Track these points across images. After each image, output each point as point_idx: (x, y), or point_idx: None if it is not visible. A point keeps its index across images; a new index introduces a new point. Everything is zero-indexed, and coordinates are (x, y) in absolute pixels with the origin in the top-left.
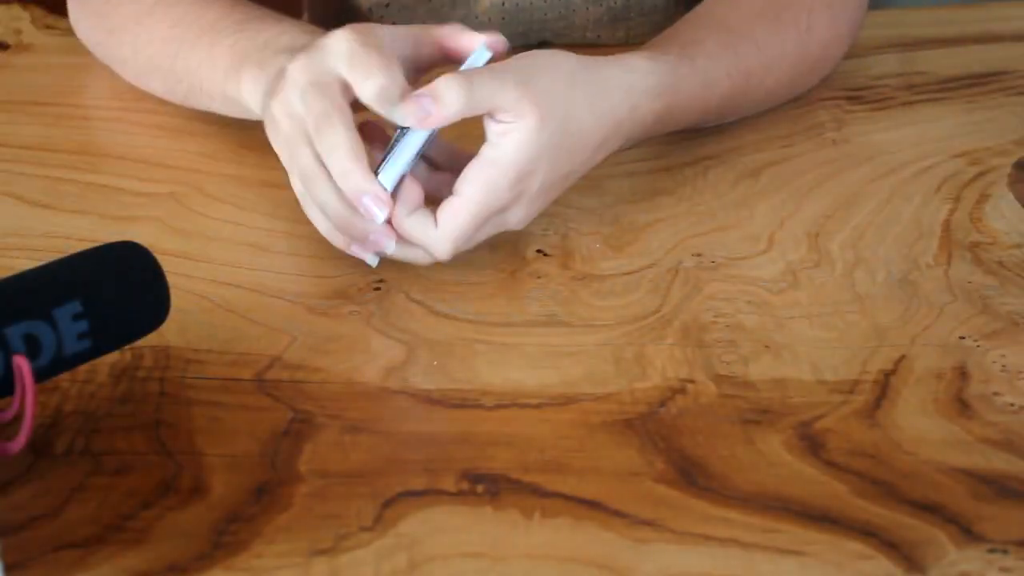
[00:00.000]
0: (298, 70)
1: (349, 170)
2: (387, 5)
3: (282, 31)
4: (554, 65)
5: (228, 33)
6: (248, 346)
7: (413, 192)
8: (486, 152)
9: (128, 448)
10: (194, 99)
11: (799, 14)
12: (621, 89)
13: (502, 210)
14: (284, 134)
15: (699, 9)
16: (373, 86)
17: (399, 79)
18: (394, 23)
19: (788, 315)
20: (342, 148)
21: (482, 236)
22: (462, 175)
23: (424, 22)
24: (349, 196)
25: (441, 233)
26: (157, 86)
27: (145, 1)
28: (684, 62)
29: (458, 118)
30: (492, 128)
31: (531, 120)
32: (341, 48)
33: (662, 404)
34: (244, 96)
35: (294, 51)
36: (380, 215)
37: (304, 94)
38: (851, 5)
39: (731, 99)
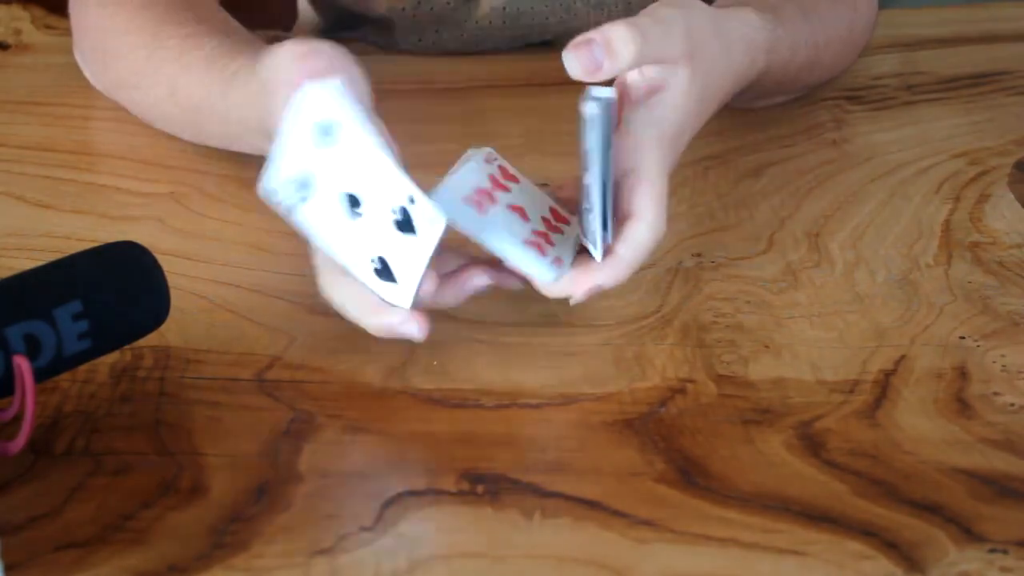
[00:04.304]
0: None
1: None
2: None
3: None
4: (702, 13)
5: (221, 88)
6: (248, 346)
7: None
8: (644, 119)
9: (128, 448)
10: (206, 137)
11: None
12: (744, 41)
13: None
14: None
15: None
16: None
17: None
18: (397, 32)
19: (788, 315)
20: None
21: None
22: (627, 155)
23: (424, 28)
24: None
25: (652, 222)
26: (186, 136)
27: (136, 59)
28: (778, 22)
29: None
30: (638, 87)
31: (684, 73)
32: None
33: (662, 404)
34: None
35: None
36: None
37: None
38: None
39: (804, 69)
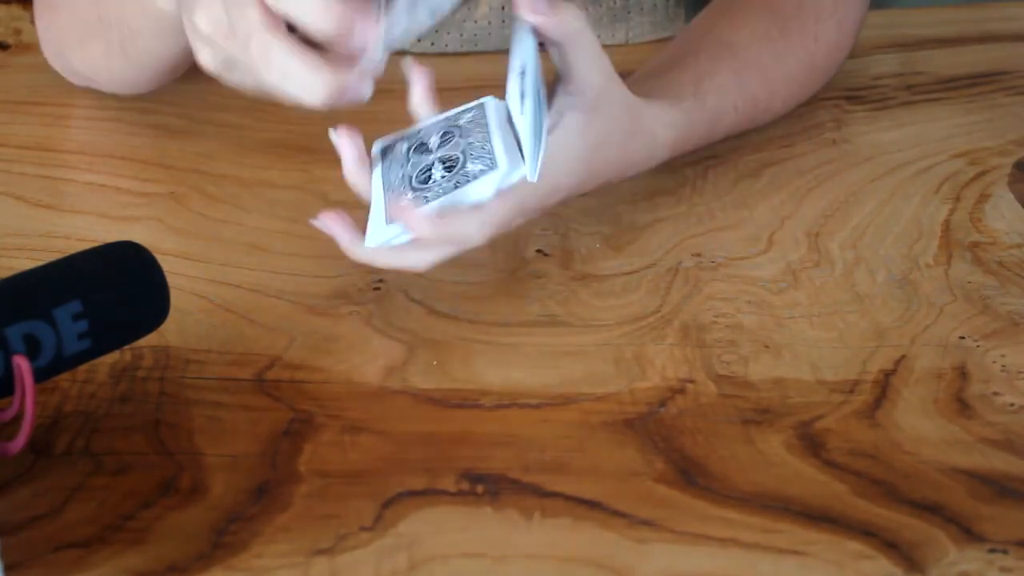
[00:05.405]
0: None
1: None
2: None
3: None
4: (621, 93)
5: None
6: (248, 346)
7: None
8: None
9: (128, 448)
10: (130, 44)
11: (806, 24)
12: (646, 136)
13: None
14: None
15: (703, 27)
16: None
17: None
18: None
19: (788, 315)
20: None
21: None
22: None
23: None
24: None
25: (485, 216)
26: (97, 48)
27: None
28: (697, 105)
29: (557, 38)
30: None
31: (586, 107)
32: None
33: (662, 404)
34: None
35: None
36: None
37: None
38: (853, 7)
39: (736, 128)
